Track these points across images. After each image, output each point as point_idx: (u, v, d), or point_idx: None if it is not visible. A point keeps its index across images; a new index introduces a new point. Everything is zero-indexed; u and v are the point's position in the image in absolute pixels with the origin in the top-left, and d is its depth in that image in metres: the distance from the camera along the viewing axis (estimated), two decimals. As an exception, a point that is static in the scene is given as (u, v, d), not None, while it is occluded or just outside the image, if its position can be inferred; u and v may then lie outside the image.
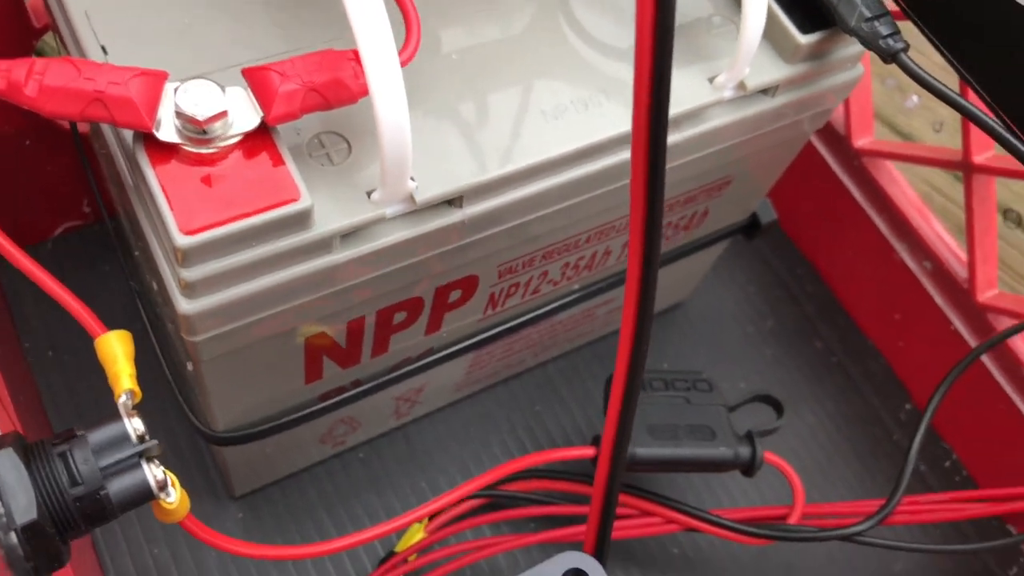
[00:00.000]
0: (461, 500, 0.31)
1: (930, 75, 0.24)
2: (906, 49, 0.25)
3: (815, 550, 0.37)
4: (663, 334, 0.41)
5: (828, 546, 0.37)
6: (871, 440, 0.40)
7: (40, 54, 0.35)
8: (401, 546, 0.33)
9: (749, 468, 0.32)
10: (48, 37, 0.33)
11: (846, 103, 0.39)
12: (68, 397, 0.36)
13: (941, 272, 0.38)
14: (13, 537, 0.19)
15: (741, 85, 0.26)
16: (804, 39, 0.26)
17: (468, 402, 0.38)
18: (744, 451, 0.32)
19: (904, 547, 0.33)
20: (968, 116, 0.25)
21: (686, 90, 0.26)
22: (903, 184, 0.39)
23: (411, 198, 0.22)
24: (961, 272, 0.37)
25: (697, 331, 0.42)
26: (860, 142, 0.39)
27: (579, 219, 0.27)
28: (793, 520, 0.33)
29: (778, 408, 0.35)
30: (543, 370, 0.40)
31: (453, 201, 0.23)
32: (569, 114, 0.24)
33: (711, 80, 0.26)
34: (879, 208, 0.39)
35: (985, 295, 0.36)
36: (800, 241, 0.44)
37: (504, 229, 0.25)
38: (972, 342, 0.37)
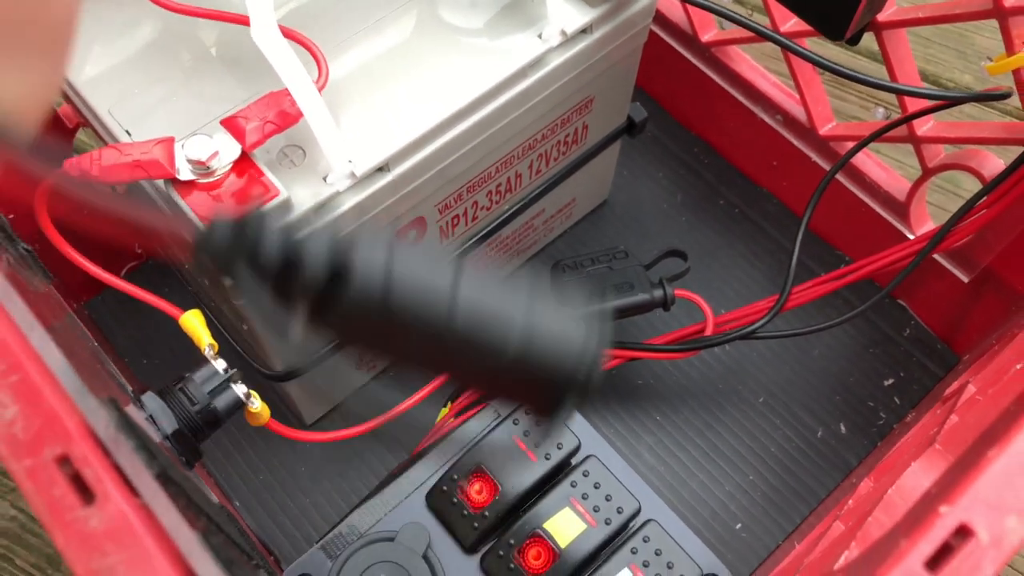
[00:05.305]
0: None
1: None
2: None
3: (748, 354, 0.48)
4: (596, 229, 0.52)
5: (757, 347, 0.48)
6: (778, 265, 0.51)
7: (77, 149, 0.47)
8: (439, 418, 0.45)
9: (665, 304, 0.43)
10: (80, 133, 0.45)
11: (686, 11, 0.49)
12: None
13: (789, 120, 0.48)
14: (168, 442, 0.31)
15: (562, 33, 0.36)
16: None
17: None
18: (658, 292, 0.43)
19: (793, 333, 0.43)
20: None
21: (523, 46, 0.36)
22: (747, 59, 0.49)
23: (352, 174, 0.33)
24: (803, 116, 0.47)
25: (622, 220, 0.52)
26: (705, 37, 0.49)
27: (481, 156, 0.38)
28: (708, 332, 0.43)
29: (683, 256, 0.45)
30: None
31: (383, 167, 0.34)
32: (443, 88, 0.35)
33: (540, 35, 0.36)
34: (733, 83, 0.49)
35: (824, 129, 0.46)
36: (690, 125, 0.54)
37: (427, 178, 0.36)
38: (826, 166, 0.47)
